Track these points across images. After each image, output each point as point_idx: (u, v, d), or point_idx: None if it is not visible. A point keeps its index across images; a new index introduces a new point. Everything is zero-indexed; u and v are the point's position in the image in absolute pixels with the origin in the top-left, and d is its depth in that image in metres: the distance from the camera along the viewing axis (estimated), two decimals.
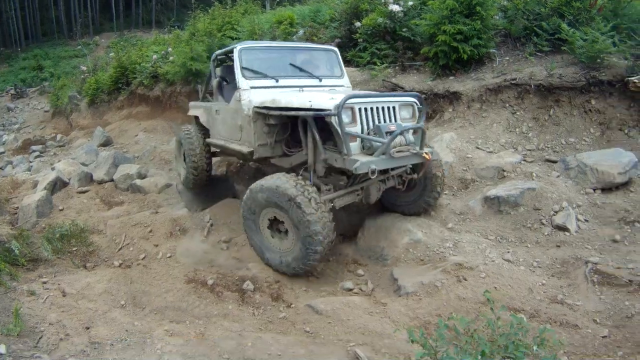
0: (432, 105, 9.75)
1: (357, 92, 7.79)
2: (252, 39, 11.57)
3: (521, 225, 6.89)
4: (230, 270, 6.93)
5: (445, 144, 8.53)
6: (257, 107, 7.02)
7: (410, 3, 10.83)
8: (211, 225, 8.44)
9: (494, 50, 9.92)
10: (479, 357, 3.35)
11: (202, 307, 6.10)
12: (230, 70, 8.39)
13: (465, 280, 5.84)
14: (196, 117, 9.42)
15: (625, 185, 7.28)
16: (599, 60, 8.53)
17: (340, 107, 5.66)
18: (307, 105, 6.16)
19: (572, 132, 8.41)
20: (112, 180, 11.45)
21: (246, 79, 7.43)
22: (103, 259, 7.72)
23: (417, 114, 6.58)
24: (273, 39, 11.49)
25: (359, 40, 10.87)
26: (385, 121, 6.23)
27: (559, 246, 6.42)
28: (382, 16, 10.62)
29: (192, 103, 9.96)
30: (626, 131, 8.10)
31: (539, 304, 5.51)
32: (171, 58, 15.07)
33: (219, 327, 5.57)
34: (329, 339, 5.30)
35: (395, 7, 10.47)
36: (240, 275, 6.72)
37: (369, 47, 10.72)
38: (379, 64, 10.30)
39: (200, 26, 15.85)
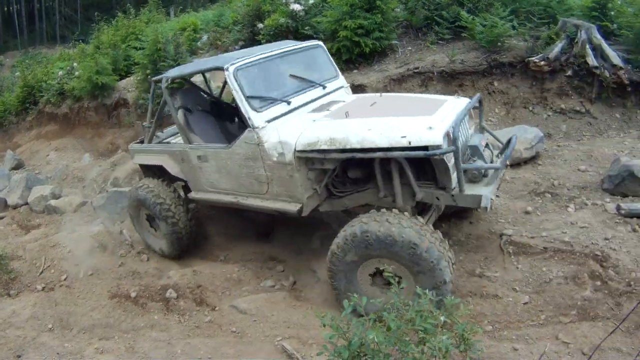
0: None
1: (446, 109, 5.38)
2: (156, 49, 10.99)
3: None
4: (152, 281, 6.87)
5: None
6: (304, 151, 5.30)
7: (311, 1, 10.86)
8: (130, 238, 8.12)
9: (396, 42, 10.01)
10: (385, 331, 3.27)
11: (129, 321, 6.09)
12: (192, 96, 7.23)
13: None
14: (149, 167, 7.38)
15: (532, 159, 7.52)
16: (499, 43, 8.79)
17: (456, 141, 4.56)
18: (404, 143, 4.77)
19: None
20: (26, 203, 10.94)
21: (257, 111, 5.53)
22: (26, 285, 7.45)
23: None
24: (177, 46, 11.08)
25: (262, 42, 10.72)
26: (462, 134, 5.20)
27: (472, 222, 6.48)
28: (284, 16, 10.55)
29: (134, 146, 7.59)
30: (530, 108, 8.40)
31: (458, 279, 5.60)
32: (77, 73, 14.49)
33: (147, 339, 5.63)
34: (256, 336, 5.37)
35: (296, 7, 10.42)
36: (162, 285, 6.66)
37: None
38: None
39: (105, 38, 15.47)
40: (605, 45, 8.37)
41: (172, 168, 6.77)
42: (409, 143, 4.73)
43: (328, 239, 6.49)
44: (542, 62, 8.35)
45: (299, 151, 5.29)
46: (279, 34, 10.60)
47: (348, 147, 5.02)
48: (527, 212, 6.42)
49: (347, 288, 5.13)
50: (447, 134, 4.76)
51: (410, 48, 9.86)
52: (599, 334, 4.79)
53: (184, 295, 6.36)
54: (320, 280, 6.11)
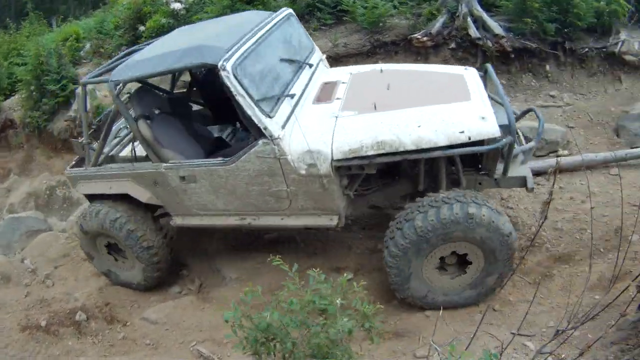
0: None
1: (473, 88, 5.03)
2: (39, 63, 10.38)
3: None
4: (61, 306, 6.47)
5: None
6: (344, 159, 4.56)
7: None
8: (32, 265, 7.57)
9: None
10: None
11: (44, 351, 5.78)
12: (146, 97, 5.83)
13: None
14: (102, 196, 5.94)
15: None
16: (381, 24, 8.87)
17: (514, 132, 4.42)
18: (463, 139, 4.37)
19: None
20: None
21: (270, 117, 4.60)
22: None
23: None
24: (60, 58, 10.54)
25: None
26: None
27: None
28: (165, 16, 10.31)
29: (75, 171, 5.97)
30: None
31: (360, 257, 5.89)
32: None
33: None
34: (171, 345, 5.36)
35: (176, 5, 10.22)
36: (70, 309, 6.31)
37: None
38: None
39: None
40: (486, 17, 8.55)
41: (142, 195, 5.53)
42: (469, 139, 4.36)
43: (228, 238, 6.70)
44: (425, 38, 8.47)
45: (337, 160, 4.54)
46: (161, 35, 10.28)
47: (401, 149, 4.43)
48: None
49: (412, 269, 4.67)
50: None
51: None
52: (508, 289, 5.09)
53: (93, 316, 6.12)
54: (226, 279, 6.14)
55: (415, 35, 8.52)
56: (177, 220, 5.69)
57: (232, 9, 9.23)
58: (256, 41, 5.00)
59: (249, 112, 4.47)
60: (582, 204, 6.30)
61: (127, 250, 5.92)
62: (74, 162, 6.25)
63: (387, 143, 4.42)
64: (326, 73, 5.99)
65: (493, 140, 4.39)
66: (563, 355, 4.16)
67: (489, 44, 8.29)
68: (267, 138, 4.52)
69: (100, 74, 5.70)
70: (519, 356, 4.11)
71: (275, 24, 5.50)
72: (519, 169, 4.94)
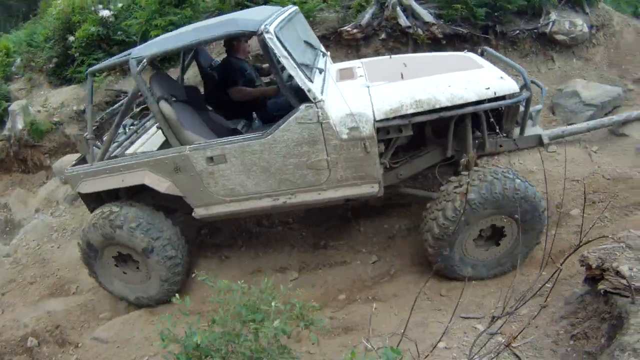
0: None
1: (480, 61, 5.46)
2: None
3: None
4: (12, 334, 6.29)
5: None
6: (385, 119, 4.67)
7: (120, 5, 10.35)
8: None
9: None
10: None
11: None
12: (164, 83, 5.43)
13: (228, 258, 6.11)
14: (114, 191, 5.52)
15: None
16: (311, 18, 8.75)
17: (529, 87, 4.81)
18: (489, 94, 4.70)
19: None
20: None
21: (313, 81, 4.65)
22: None
23: None
24: None
25: (76, 55, 10.12)
26: None
27: None
28: (94, 25, 10.03)
29: (78, 169, 5.46)
30: None
31: (304, 255, 5.93)
32: None
33: None
34: None
35: (105, 13, 9.97)
36: (21, 335, 6.17)
37: (86, 59, 10.03)
38: (98, 74, 9.62)
39: None
40: (415, 5, 8.61)
41: (160, 184, 5.10)
42: (494, 94, 4.68)
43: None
44: (355, 30, 8.51)
45: (379, 121, 4.63)
46: (91, 45, 10.06)
47: (437, 106, 4.65)
48: None
49: (454, 244, 4.89)
50: None
51: None
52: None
53: (45, 341, 5.99)
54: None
55: (345, 27, 8.55)
56: (200, 212, 5.27)
57: (161, 13, 9.12)
58: (284, 19, 5.05)
59: (293, 73, 4.48)
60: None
61: (143, 261, 5.52)
62: (74, 162, 5.75)
63: (424, 101, 4.62)
64: (336, 64, 6.15)
65: (513, 95, 4.77)
66: (512, 335, 4.23)
67: (420, 32, 8.38)
68: (309, 102, 4.51)
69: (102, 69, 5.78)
70: (470, 339, 4.15)
71: (289, 14, 5.47)
72: (533, 129, 5.32)
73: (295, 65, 4.49)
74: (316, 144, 4.67)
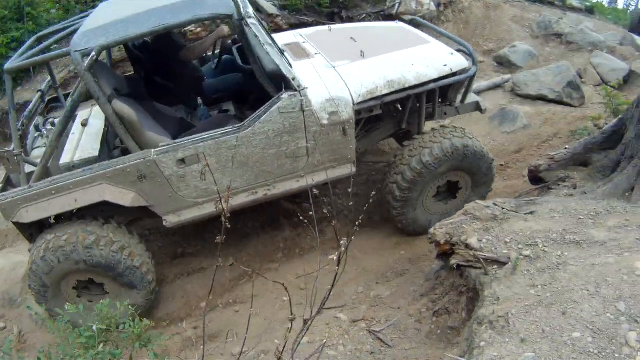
0: (8, 125, 8.65)
1: (421, 34, 5.89)
2: None
3: None
4: None
5: None
6: (363, 102, 4.75)
7: None
8: None
9: (54, 46, 9.15)
10: None
11: None
12: (107, 76, 4.59)
13: None
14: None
15: None
16: None
17: (476, 61, 5.31)
18: (447, 71, 5.08)
19: None
20: None
21: (291, 67, 4.58)
22: None
23: None
24: None
25: None
26: None
27: None
28: None
29: (12, 195, 4.40)
30: None
31: (162, 267, 5.65)
32: None
33: None
34: None
35: None
36: None
37: None
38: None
39: None
40: None
41: (123, 197, 4.49)
42: (451, 70, 5.07)
43: None
44: (199, 29, 8.46)
45: (357, 104, 4.70)
46: None
47: (407, 85, 4.90)
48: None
49: (416, 203, 5.31)
50: None
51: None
52: (307, 264, 5.22)
53: None
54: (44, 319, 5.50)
55: (189, 27, 8.37)
56: (171, 219, 4.75)
57: (3, 30, 8.63)
58: None
59: (277, 61, 4.38)
60: (373, 165, 6.54)
61: (109, 282, 4.82)
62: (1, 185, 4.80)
63: (395, 82, 4.84)
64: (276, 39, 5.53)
65: (464, 71, 5.21)
66: (376, 320, 4.22)
67: (265, 24, 8.30)
68: (293, 90, 4.42)
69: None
70: (334, 330, 4.11)
71: None
72: (470, 97, 5.67)
73: (279, 53, 4.46)
74: (297, 132, 4.60)
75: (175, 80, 5.44)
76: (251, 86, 5.10)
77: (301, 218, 3.08)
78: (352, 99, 4.67)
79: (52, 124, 5.09)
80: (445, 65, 5.08)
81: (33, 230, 4.78)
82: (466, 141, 5.04)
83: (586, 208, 3.98)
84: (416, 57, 5.10)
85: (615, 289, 3.01)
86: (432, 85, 5.00)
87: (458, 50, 5.44)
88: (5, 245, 6.45)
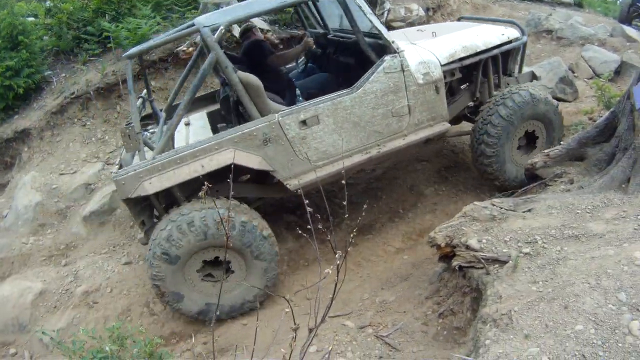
0: (9, 153, 8.79)
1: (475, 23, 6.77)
2: None
3: (126, 226, 6.71)
4: None
5: (30, 186, 7.69)
6: (447, 63, 5.50)
7: None
8: None
9: (49, 72, 9.28)
10: None
11: None
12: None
13: (97, 303, 5.65)
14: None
15: None
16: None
17: (525, 32, 6.16)
18: (505, 39, 5.94)
19: None
20: None
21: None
22: None
23: None
24: None
25: None
26: None
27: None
28: None
29: (134, 168, 4.58)
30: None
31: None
32: None
33: None
34: None
35: None
36: None
37: None
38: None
39: None
40: None
41: (251, 161, 4.76)
42: (508, 38, 5.92)
43: (41, 301, 6.01)
44: (191, 49, 8.43)
45: (443, 65, 5.40)
46: None
47: (478, 50, 5.69)
48: None
49: (505, 156, 5.78)
50: None
51: (64, 74, 9.22)
52: (312, 274, 5.38)
53: None
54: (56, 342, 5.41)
55: (181, 48, 8.45)
56: (294, 183, 4.98)
57: None
58: None
59: (380, 28, 5.09)
60: (372, 172, 6.58)
61: (235, 259, 4.90)
62: (117, 166, 5.03)
63: (468, 47, 5.64)
64: None
65: (517, 39, 6.01)
66: (382, 325, 4.25)
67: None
68: (394, 52, 5.10)
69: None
70: (341, 337, 4.14)
71: None
72: (525, 69, 6.51)
73: (379, 22, 5.12)
74: (399, 92, 5.18)
75: (268, 80, 5.51)
76: (337, 84, 5.64)
77: (300, 231, 3.08)
78: (439, 61, 5.36)
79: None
80: (503, 34, 5.91)
81: (145, 217, 5.03)
82: (531, 91, 5.68)
83: (583, 202, 4.02)
84: (479, 31, 5.95)
85: (615, 280, 3.06)
86: (496, 51, 5.82)
87: None
88: (12, 272, 6.51)
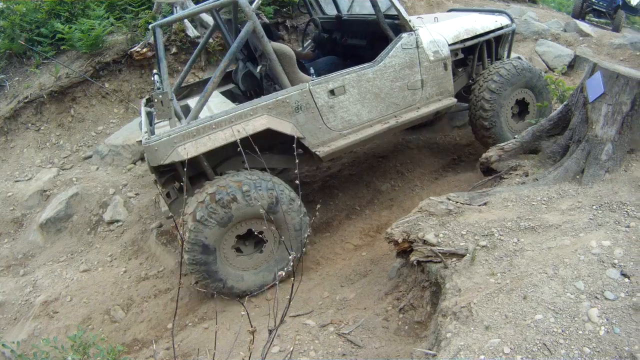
0: None
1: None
2: None
3: (84, 232, 6.54)
4: None
5: None
6: (453, 43, 6.00)
7: None
8: None
9: (1, 76, 9.10)
10: None
11: None
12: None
13: (57, 312, 5.49)
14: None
15: None
16: (100, 45, 8.45)
17: (513, 21, 6.73)
18: (498, 25, 6.45)
19: (99, 121, 8.36)
20: None
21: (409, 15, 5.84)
22: None
23: None
24: None
25: None
26: None
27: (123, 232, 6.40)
28: None
29: (169, 133, 4.55)
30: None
31: (128, 290, 5.56)
32: None
33: None
34: None
35: None
36: None
37: None
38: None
39: None
40: (202, 14, 8.54)
41: (284, 127, 4.93)
42: (500, 24, 6.44)
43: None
44: (145, 49, 8.35)
45: (450, 44, 5.90)
46: None
47: (477, 33, 6.21)
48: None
49: (502, 123, 6.20)
50: None
51: (17, 78, 9.05)
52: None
53: None
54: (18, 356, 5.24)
55: (135, 48, 8.33)
56: (322, 150, 5.24)
57: None
58: None
59: (399, 8, 5.52)
60: (328, 170, 6.59)
61: (271, 231, 4.90)
62: (146, 132, 4.82)
63: (470, 30, 6.15)
64: None
65: (508, 26, 6.56)
66: (344, 322, 4.23)
67: (210, 40, 8.34)
68: (410, 30, 5.58)
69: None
70: (303, 336, 4.11)
71: None
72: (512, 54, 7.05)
73: (399, 3, 5.51)
74: (414, 66, 5.62)
75: None
76: (344, 67, 5.57)
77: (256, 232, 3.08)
78: (447, 40, 5.85)
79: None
80: (496, 21, 6.42)
81: (170, 189, 5.05)
82: (514, 63, 6.19)
83: (539, 194, 4.08)
84: (476, 18, 6.41)
85: (573, 269, 3.11)
86: (491, 35, 6.33)
87: None
88: None
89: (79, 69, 8.27)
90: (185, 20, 8.42)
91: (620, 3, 15.55)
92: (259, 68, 5.57)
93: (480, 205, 4.07)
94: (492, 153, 5.17)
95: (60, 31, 8.59)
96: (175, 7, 8.57)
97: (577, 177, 4.21)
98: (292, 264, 2.53)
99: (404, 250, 3.96)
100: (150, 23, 8.59)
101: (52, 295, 5.68)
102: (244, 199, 4.59)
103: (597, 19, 16.25)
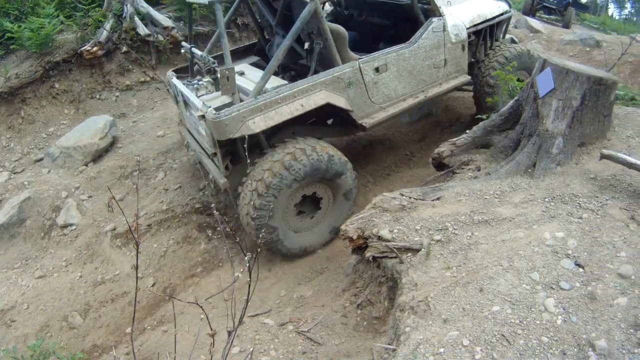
0: None
1: None
2: None
3: (37, 237, 6.38)
4: None
5: None
6: (470, 27, 6.61)
7: None
8: None
9: None
10: None
11: None
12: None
13: (14, 321, 5.39)
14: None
15: (112, 145, 7.46)
16: (50, 44, 8.29)
17: (511, 6, 7.47)
18: (501, 11, 7.13)
19: (50, 122, 8.17)
20: None
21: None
22: None
23: None
24: None
25: None
26: None
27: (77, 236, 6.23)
28: None
29: (239, 108, 4.74)
30: (98, 97, 8.35)
31: (85, 295, 5.48)
32: None
33: None
34: None
35: None
36: None
37: None
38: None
39: None
40: (153, 12, 8.60)
41: (339, 101, 5.38)
42: (502, 10, 7.14)
43: None
44: (95, 48, 8.21)
45: (467, 28, 6.51)
46: None
47: (487, 18, 6.86)
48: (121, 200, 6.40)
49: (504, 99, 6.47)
50: None
51: None
52: (228, 273, 5.30)
53: None
54: None
55: (85, 47, 8.18)
56: (367, 122, 5.74)
57: None
58: None
59: None
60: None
61: (326, 194, 5.52)
62: (213, 107, 4.84)
63: (482, 15, 6.80)
64: None
65: (507, 11, 7.29)
66: (302, 320, 4.24)
67: (161, 38, 8.39)
68: (439, 15, 6.15)
69: None
70: (263, 336, 4.10)
71: None
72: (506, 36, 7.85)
73: None
74: (440, 47, 6.22)
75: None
76: (362, 44, 6.65)
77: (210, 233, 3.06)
78: (465, 25, 6.46)
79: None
80: (499, 7, 7.09)
81: (227, 161, 5.23)
82: (516, 48, 7.05)
83: (491, 188, 4.14)
84: (482, 3, 7.02)
85: (527, 261, 3.17)
86: (497, 19, 7.00)
87: None
88: None
89: (28, 70, 8.07)
90: (136, 18, 8.32)
91: (571, 0, 15.91)
92: (306, 45, 5.93)
93: (433, 200, 4.11)
94: (444, 148, 5.22)
95: (9, 30, 8.36)
96: (126, 5, 8.50)
97: (529, 170, 4.28)
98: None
99: (359, 247, 3.98)
100: (100, 21, 8.51)
101: (9, 303, 5.57)
102: (309, 162, 5.00)
103: (547, 16, 16.59)
